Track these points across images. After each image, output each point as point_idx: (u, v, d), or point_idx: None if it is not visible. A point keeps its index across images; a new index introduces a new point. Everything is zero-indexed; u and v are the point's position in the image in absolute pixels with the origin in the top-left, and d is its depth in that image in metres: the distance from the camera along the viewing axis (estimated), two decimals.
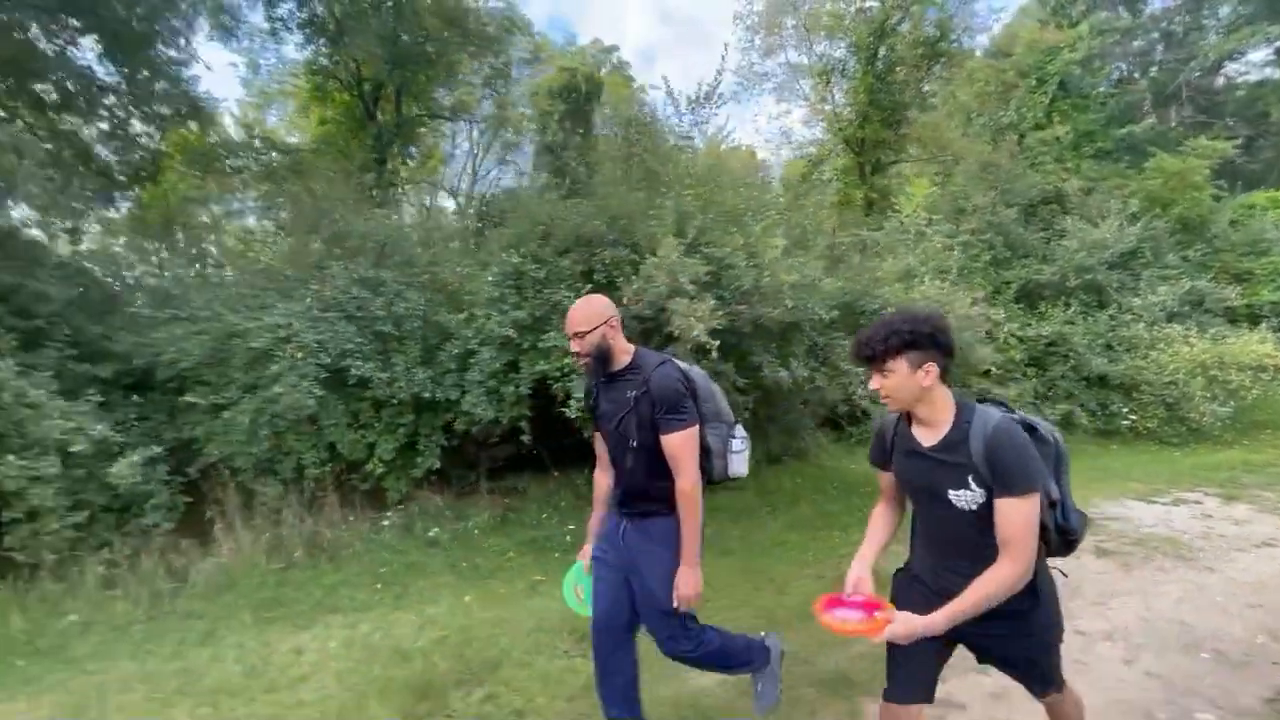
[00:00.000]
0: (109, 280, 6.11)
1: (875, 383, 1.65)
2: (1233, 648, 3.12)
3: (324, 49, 12.18)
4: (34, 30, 7.90)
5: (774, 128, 34.17)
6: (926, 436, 1.65)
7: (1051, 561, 1.73)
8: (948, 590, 1.62)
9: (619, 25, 41.63)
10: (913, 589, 1.77)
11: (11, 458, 3.78)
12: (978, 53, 17.57)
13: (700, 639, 2.18)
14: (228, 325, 4.90)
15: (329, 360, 4.84)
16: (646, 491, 2.14)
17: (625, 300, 4.45)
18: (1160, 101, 19.40)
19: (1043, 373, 9.13)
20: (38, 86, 8.28)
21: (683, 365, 2.19)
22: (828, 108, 16.59)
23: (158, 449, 4.59)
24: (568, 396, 4.78)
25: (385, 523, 4.99)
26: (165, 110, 9.00)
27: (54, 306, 4.91)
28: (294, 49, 12.64)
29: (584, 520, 2.46)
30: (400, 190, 14.28)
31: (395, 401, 5.17)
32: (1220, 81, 19.97)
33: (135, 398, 5.01)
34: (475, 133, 19.44)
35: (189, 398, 4.81)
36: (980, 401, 1.70)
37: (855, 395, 5.96)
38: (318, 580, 4.36)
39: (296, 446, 4.97)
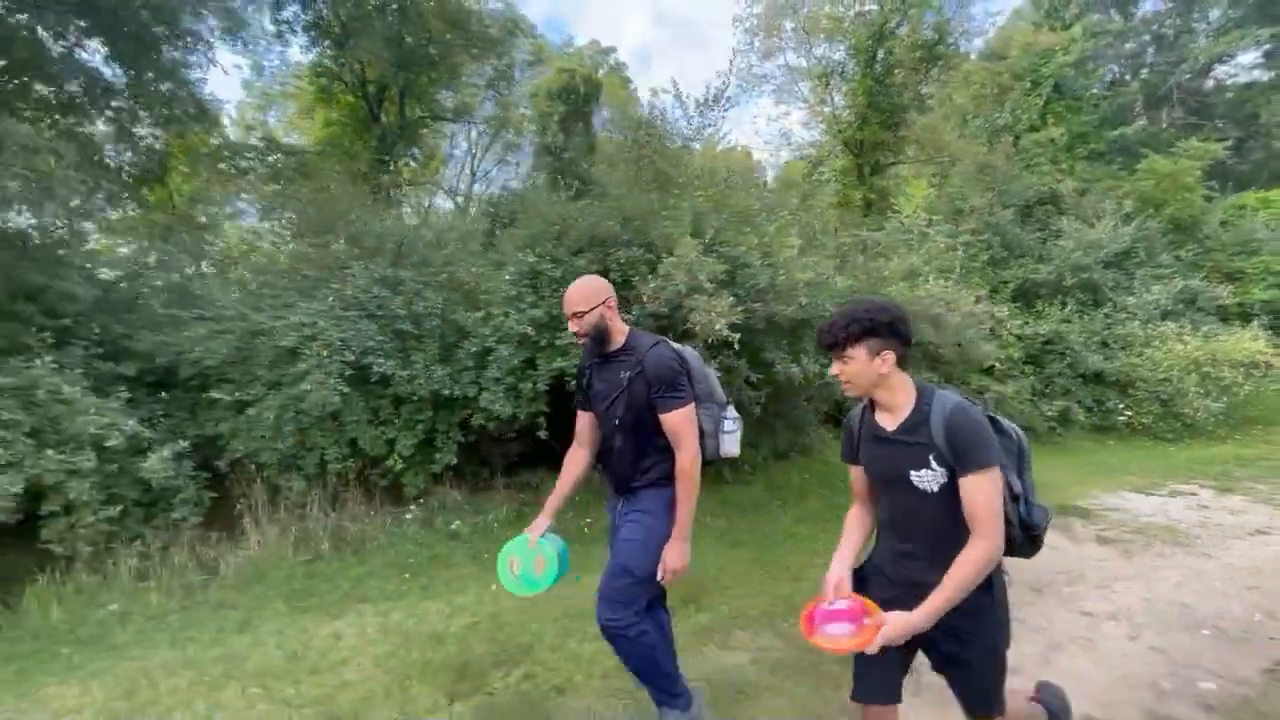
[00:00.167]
0: (127, 280, 6.18)
1: (836, 369, 1.70)
2: (1231, 625, 3.28)
3: (329, 51, 12.26)
4: (40, 31, 7.99)
5: (774, 129, 34.53)
6: (889, 421, 1.70)
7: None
8: (907, 579, 1.67)
9: (615, 26, 41.82)
10: (872, 581, 1.79)
11: (50, 452, 3.88)
12: (972, 56, 17.82)
13: (641, 626, 2.12)
14: (252, 324, 5.01)
15: (353, 358, 4.95)
16: (635, 471, 2.18)
17: (644, 298, 4.58)
18: (1152, 103, 19.70)
19: (1040, 370, 9.34)
20: (44, 88, 8.35)
21: (676, 346, 2.22)
22: (827, 109, 16.79)
23: (184, 444, 4.70)
24: None
25: (408, 516, 5.10)
26: (173, 111, 9.06)
27: (80, 306, 5.00)
28: (299, 51, 12.74)
29: (600, 514, 2.50)
30: (402, 191, 14.39)
31: (415, 398, 5.29)
32: (1210, 84, 20.30)
33: (163, 394, 5.10)
34: (474, 133, 19.58)
35: (214, 394, 4.92)
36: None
37: None
38: (345, 572, 4.47)
39: (320, 442, 5.08)
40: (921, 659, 1.78)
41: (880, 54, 14.91)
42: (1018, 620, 3.35)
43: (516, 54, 16.06)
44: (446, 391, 5.24)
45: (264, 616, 3.85)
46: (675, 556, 2.09)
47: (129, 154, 9.28)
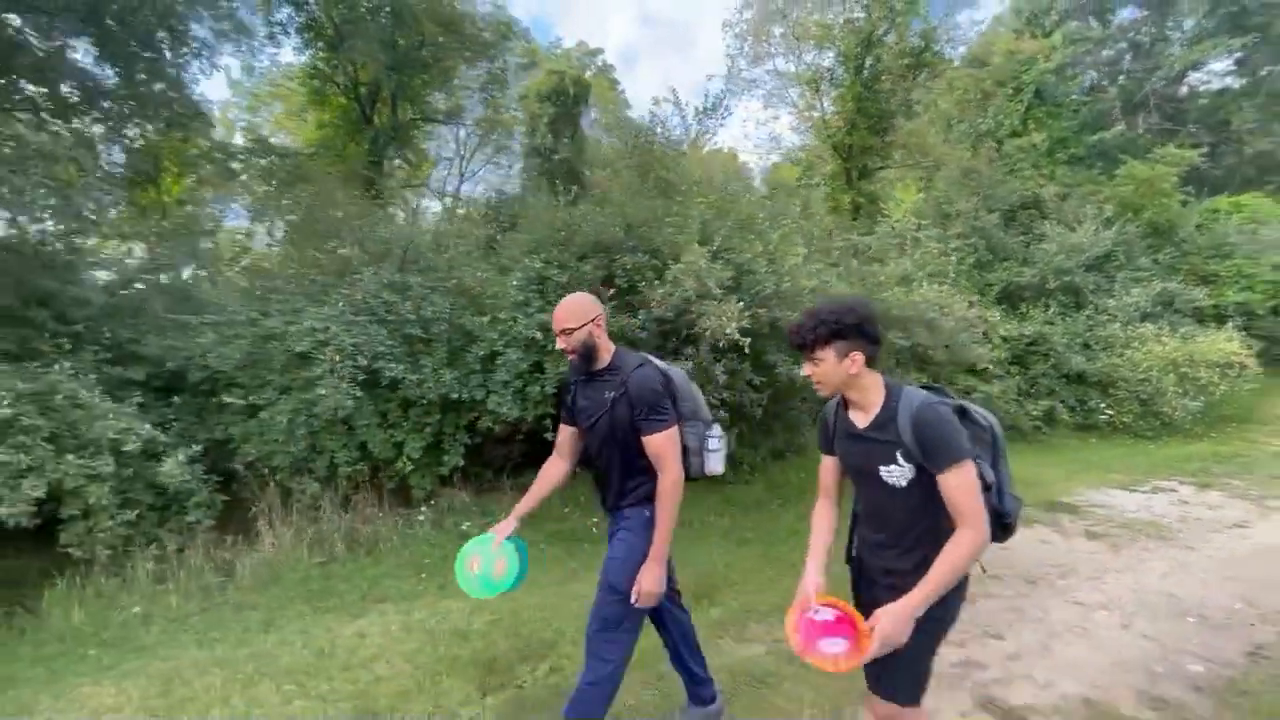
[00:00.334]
0: (130, 284, 6.18)
1: (807, 369, 1.75)
2: (1215, 613, 3.50)
3: (322, 53, 12.24)
4: (29, 33, 7.90)
5: (763, 133, 35.01)
6: (860, 419, 1.75)
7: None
8: (880, 566, 1.78)
9: (601, 27, 41.88)
10: (856, 570, 1.91)
11: (70, 457, 3.92)
12: (956, 62, 18.18)
13: (617, 648, 2.16)
14: (264, 329, 5.06)
15: (365, 362, 5.02)
16: (623, 489, 2.21)
17: (652, 303, 4.71)
18: (1129, 109, 20.21)
19: (1025, 370, 9.61)
20: (33, 89, 8.26)
21: (661, 365, 2.24)
22: (816, 114, 17.05)
23: (197, 448, 4.74)
24: None
25: (420, 518, 5.19)
26: (172, 112, 9.03)
27: (91, 311, 5.02)
28: (292, 53, 12.70)
29: (603, 513, 2.49)
30: (394, 193, 14.38)
31: (423, 402, 5.37)
32: (1184, 90, 20.87)
33: (173, 399, 5.14)
34: (463, 134, 19.59)
35: (226, 399, 4.97)
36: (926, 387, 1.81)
37: None
38: (361, 573, 4.55)
39: (330, 446, 5.15)
40: None
41: (868, 61, 15.20)
42: (1016, 610, 3.58)
43: (509, 57, 16.10)
44: (455, 395, 5.33)
45: (286, 617, 3.92)
46: (649, 580, 2.08)
47: (122, 155, 9.24)
